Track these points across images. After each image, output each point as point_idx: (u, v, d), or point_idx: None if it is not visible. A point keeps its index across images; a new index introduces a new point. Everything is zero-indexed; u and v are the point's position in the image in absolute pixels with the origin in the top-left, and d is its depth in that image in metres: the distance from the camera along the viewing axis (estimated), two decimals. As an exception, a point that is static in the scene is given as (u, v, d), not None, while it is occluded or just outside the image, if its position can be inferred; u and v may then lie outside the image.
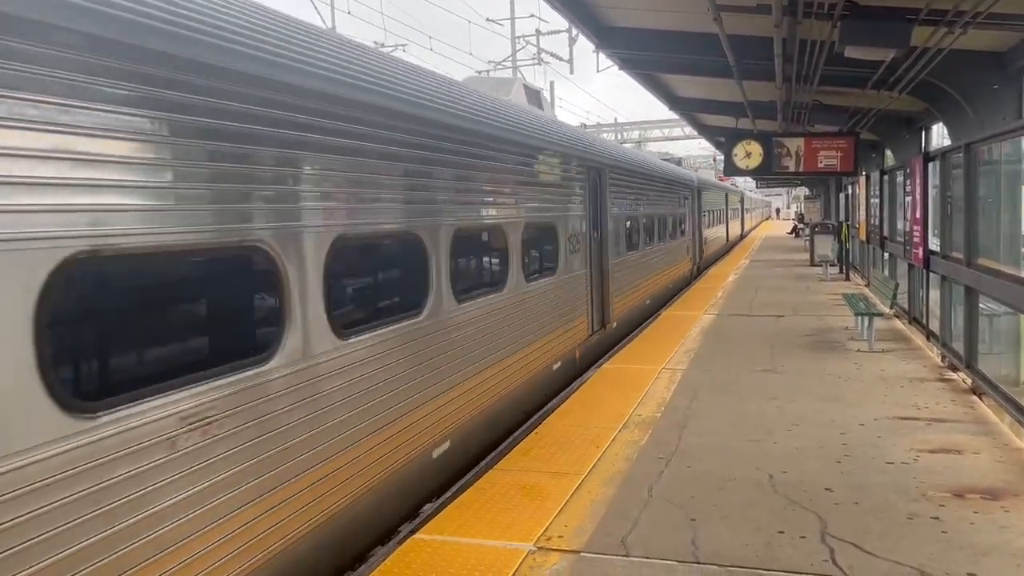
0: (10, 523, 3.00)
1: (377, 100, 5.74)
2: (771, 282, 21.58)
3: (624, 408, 8.55)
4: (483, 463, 6.94)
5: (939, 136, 15.36)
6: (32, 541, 3.08)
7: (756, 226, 67.41)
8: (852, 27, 6.55)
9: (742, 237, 47.76)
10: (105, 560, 3.38)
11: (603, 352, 12.34)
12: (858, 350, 11.52)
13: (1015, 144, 8.64)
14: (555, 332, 9.81)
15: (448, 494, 6.23)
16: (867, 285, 19.64)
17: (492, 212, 7.99)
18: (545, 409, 8.78)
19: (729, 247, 37.19)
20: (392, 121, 5.88)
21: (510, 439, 7.70)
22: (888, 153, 20.01)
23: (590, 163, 11.41)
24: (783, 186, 78.38)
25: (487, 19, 37.52)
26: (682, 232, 21.48)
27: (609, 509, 5.76)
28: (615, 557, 4.98)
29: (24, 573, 3.05)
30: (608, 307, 12.45)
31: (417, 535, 5.37)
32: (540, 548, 5.12)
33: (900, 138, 14.57)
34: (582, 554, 5.04)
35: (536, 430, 7.82)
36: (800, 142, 15.40)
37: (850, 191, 22.29)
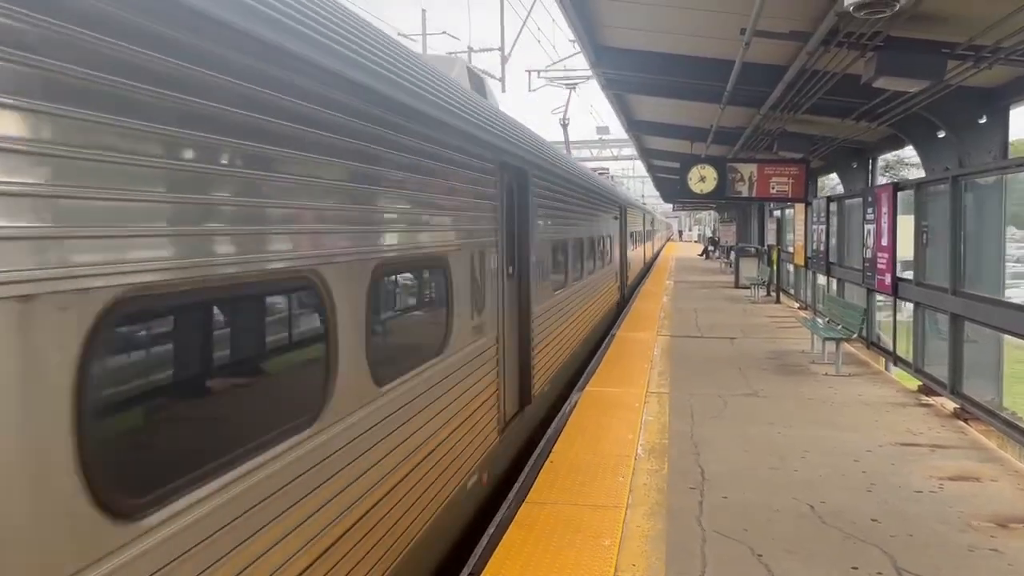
0: None
1: None
2: (705, 303, 21.92)
3: (628, 434, 8.35)
4: (511, 495, 6.60)
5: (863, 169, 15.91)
6: None
7: (662, 247, 68.96)
8: (887, 58, 6.62)
9: (655, 259, 48.67)
10: None
11: (526, 446, 8.49)
12: (825, 374, 11.72)
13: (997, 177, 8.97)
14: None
15: (491, 530, 5.86)
16: (801, 308, 20.21)
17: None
18: (548, 434, 8.49)
19: (646, 270, 37.47)
20: None
21: (527, 467, 7.38)
22: (820, 182, 20.73)
23: (509, 160, 7.54)
24: (691, 209, 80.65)
25: (399, 34, 36.89)
26: (610, 259, 18.32)
27: (669, 545, 5.52)
28: (703, 599, 4.75)
29: None
30: (529, 378, 8.42)
31: (483, 580, 5.00)
32: (619, 591, 4.84)
33: (849, 167, 15.06)
34: (666, 597, 4.78)
35: (550, 458, 7.52)
36: (753, 168, 15.70)
37: (781, 215, 22.95)
